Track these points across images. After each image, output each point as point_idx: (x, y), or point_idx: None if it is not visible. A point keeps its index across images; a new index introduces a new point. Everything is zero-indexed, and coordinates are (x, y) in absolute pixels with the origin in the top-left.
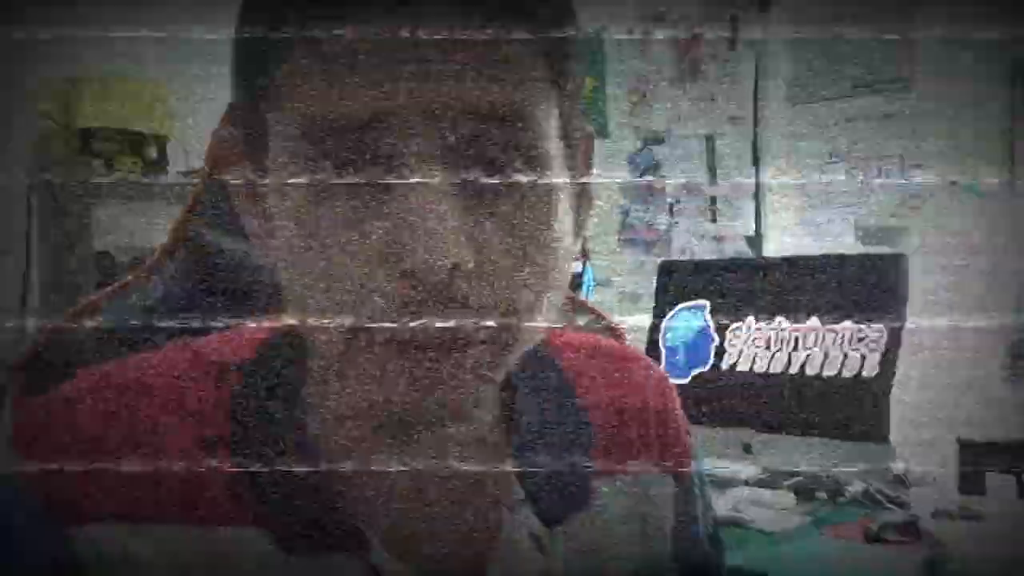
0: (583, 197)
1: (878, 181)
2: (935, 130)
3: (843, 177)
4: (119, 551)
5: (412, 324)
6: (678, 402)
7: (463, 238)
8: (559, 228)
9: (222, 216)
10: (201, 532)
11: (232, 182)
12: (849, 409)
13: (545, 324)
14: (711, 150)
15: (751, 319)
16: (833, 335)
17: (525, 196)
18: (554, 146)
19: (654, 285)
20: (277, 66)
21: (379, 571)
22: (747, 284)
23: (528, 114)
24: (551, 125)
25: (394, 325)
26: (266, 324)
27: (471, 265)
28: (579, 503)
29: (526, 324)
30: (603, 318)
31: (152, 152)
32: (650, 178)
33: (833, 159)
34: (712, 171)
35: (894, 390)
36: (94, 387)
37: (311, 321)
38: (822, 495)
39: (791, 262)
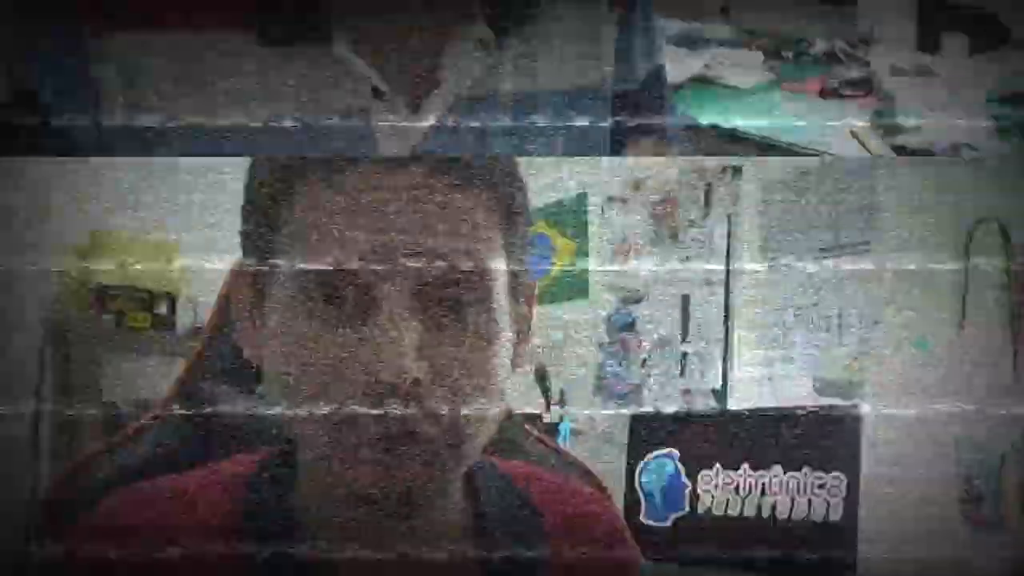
0: (522, 334)
1: (836, 338)
2: (891, 291)
3: (805, 331)
4: None
5: (379, 418)
6: (632, 553)
7: (423, 358)
8: (498, 360)
9: (223, 369)
10: None
11: (240, 327)
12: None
13: (487, 436)
14: (685, 309)
15: (718, 467)
16: (795, 482)
17: (474, 328)
18: (502, 289)
19: (627, 435)
20: (277, 231)
21: None
22: (713, 435)
23: (485, 261)
24: (501, 268)
25: (367, 418)
26: (263, 449)
27: (427, 378)
28: None
29: (474, 432)
30: (579, 464)
31: (162, 308)
32: (627, 335)
33: (797, 316)
34: (685, 329)
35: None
36: (135, 499)
37: (300, 426)
38: None
39: (751, 414)
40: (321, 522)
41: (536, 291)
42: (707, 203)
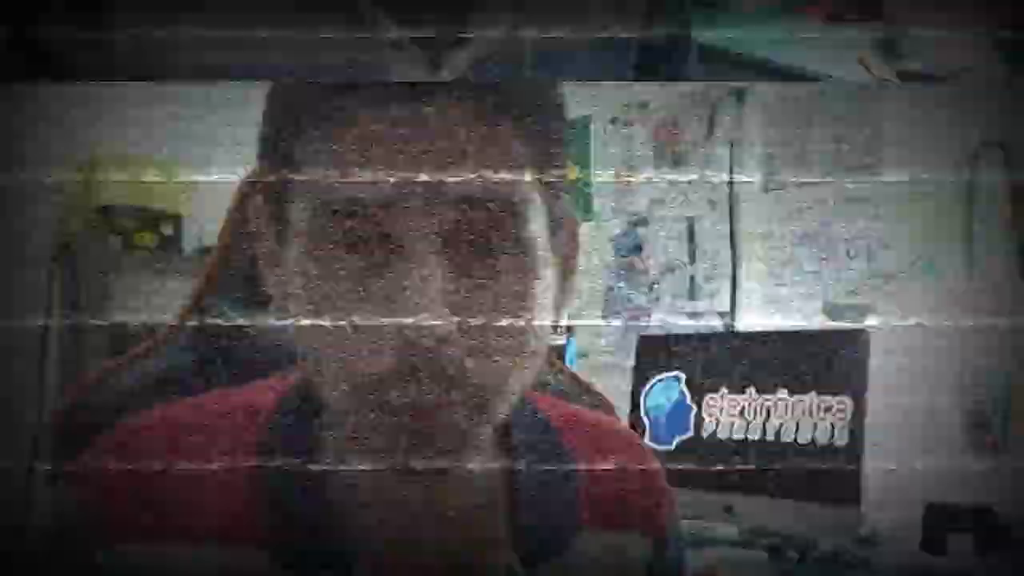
0: (567, 275)
1: (845, 261)
2: (898, 213)
3: (813, 257)
4: (143, 564)
5: (405, 386)
6: (660, 473)
7: (451, 312)
8: (539, 305)
9: (235, 290)
10: (215, 548)
11: (260, 250)
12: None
13: (521, 387)
14: (691, 232)
15: (724, 390)
16: (801, 405)
17: (509, 275)
18: (538, 229)
19: (633, 357)
20: (296, 148)
21: None
22: (718, 357)
23: (514, 200)
24: (536, 210)
25: (391, 381)
26: (285, 379)
27: (456, 336)
28: (557, 550)
29: (505, 387)
30: (586, 385)
31: (168, 229)
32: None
33: (803, 241)
34: (692, 252)
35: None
36: (151, 423)
37: (320, 377)
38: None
39: (758, 336)
40: (340, 476)
41: (578, 226)
42: (711, 126)
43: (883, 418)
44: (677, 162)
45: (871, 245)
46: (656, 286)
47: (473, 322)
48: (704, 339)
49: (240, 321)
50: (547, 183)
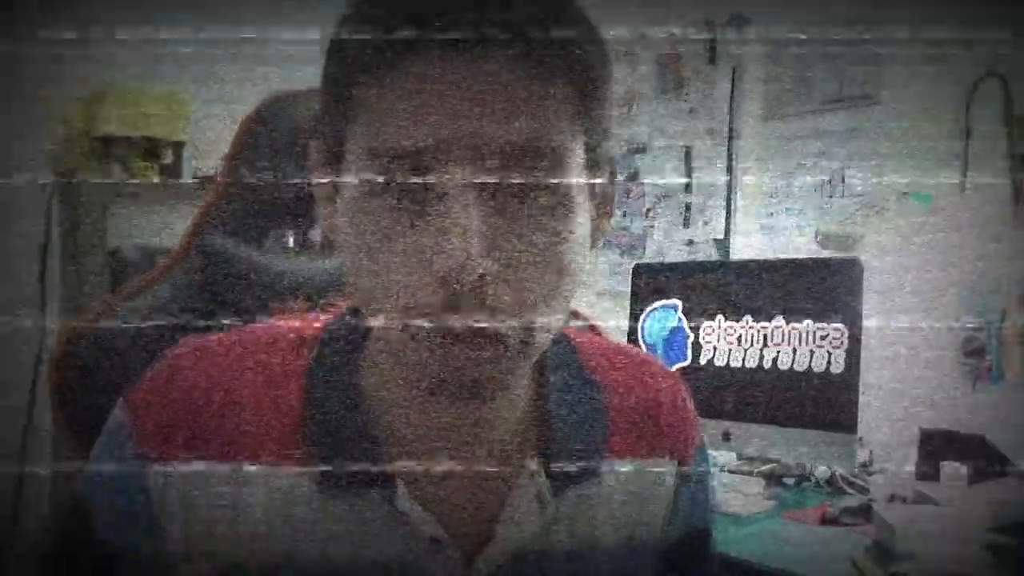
0: (601, 217)
1: (840, 189)
2: (895, 143)
3: (808, 183)
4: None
5: (448, 320)
6: (688, 399)
7: (491, 251)
8: (574, 243)
9: (234, 221)
10: (263, 470)
11: (319, 182)
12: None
13: (557, 319)
14: (688, 160)
15: (721, 318)
16: (797, 333)
17: (547, 217)
18: (577, 172)
19: (629, 286)
20: (354, 93)
21: (404, 515)
22: (714, 285)
23: (556, 148)
24: (577, 155)
25: (434, 314)
26: (331, 309)
27: (497, 273)
28: (586, 478)
29: (541, 322)
30: (583, 317)
31: (168, 157)
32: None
33: (799, 169)
34: (688, 179)
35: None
36: (202, 350)
37: (369, 308)
38: None
39: (754, 265)
40: (385, 400)
41: (616, 163)
42: (712, 53)
43: (879, 345)
44: (679, 89)
45: (867, 174)
46: (651, 213)
47: (510, 264)
48: (700, 267)
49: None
50: (590, 131)
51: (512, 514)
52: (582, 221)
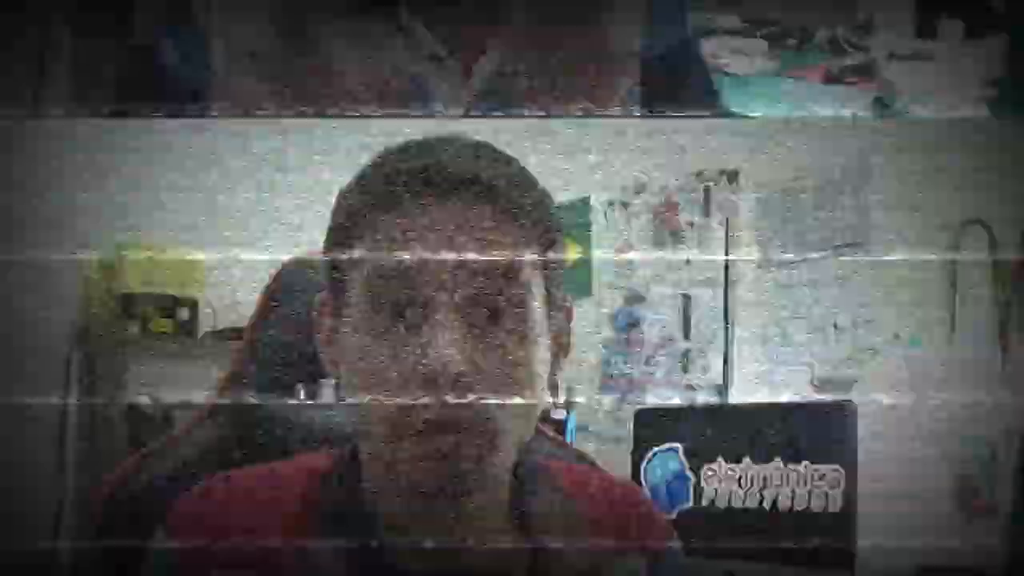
0: (560, 346)
1: (834, 335)
2: (884, 290)
3: (803, 332)
4: None
5: (428, 414)
6: (651, 505)
7: (467, 357)
8: (535, 369)
9: (264, 375)
10: None
11: (320, 332)
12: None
13: (522, 432)
14: (686, 308)
15: (721, 460)
16: (795, 474)
17: (512, 336)
18: (538, 305)
19: (630, 430)
20: (355, 233)
21: None
22: (713, 428)
23: (521, 279)
24: (538, 287)
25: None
26: (330, 453)
27: (472, 375)
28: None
29: (510, 428)
30: (587, 458)
31: (184, 314)
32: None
33: (795, 316)
34: (687, 327)
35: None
36: (226, 486)
37: (363, 412)
38: None
39: (752, 408)
40: (386, 512)
41: (573, 306)
42: (707, 206)
43: (872, 487)
44: (676, 241)
45: (857, 320)
46: (651, 360)
47: (485, 367)
48: (699, 411)
49: (272, 402)
50: (547, 266)
51: None
52: (541, 348)
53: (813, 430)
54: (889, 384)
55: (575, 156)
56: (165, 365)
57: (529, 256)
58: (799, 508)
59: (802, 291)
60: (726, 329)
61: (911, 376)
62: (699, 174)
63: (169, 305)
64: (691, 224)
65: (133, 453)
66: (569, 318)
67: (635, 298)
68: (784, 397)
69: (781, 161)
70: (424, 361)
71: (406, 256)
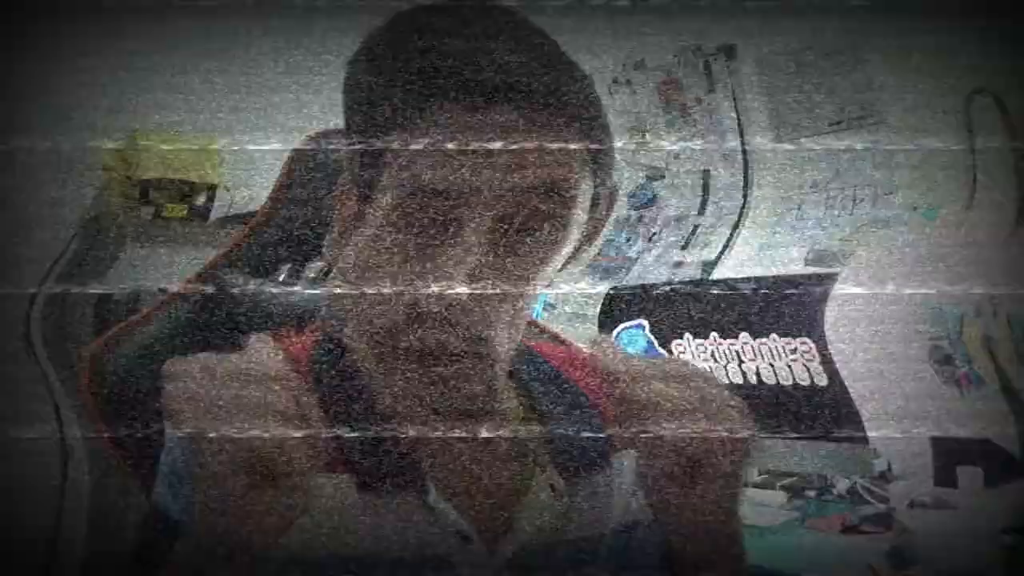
0: (589, 240)
1: (848, 209)
2: (902, 161)
3: (819, 205)
4: None
5: (423, 335)
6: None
7: (469, 281)
8: (549, 272)
9: (256, 261)
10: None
11: (343, 213)
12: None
13: (513, 341)
14: (705, 184)
15: (688, 336)
16: (765, 347)
17: (540, 249)
18: (581, 208)
19: (598, 308)
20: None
21: (433, 509)
22: (682, 304)
23: (566, 190)
24: (584, 193)
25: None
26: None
27: (478, 309)
28: (597, 467)
29: (506, 334)
30: (551, 333)
31: (201, 199)
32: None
33: (812, 190)
34: (703, 203)
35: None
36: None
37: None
38: None
39: (725, 283)
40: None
41: (617, 193)
42: (710, 81)
43: (860, 358)
44: (685, 118)
45: (877, 192)
46: (655, 237)
47: (483, 292)
48: (671, 289)
49: (251, 287)
50: (596, 160)
51: (530, 505)
52: (567, 250)
53: (782, 304)
54: (889, 257)
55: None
56: (167, 251)
57: (579, 159)
58: (785, 382)
59: (822, 164)
60: (743, 205)
61: (912, 251)
62: (697, 50)
63: (187, 191)
64: (698, 100)
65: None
66: (611, 203)
67: (656, 175)
68: (772, 272)
69: (782, 36)
70: (433, 288)
71: (439, 176)
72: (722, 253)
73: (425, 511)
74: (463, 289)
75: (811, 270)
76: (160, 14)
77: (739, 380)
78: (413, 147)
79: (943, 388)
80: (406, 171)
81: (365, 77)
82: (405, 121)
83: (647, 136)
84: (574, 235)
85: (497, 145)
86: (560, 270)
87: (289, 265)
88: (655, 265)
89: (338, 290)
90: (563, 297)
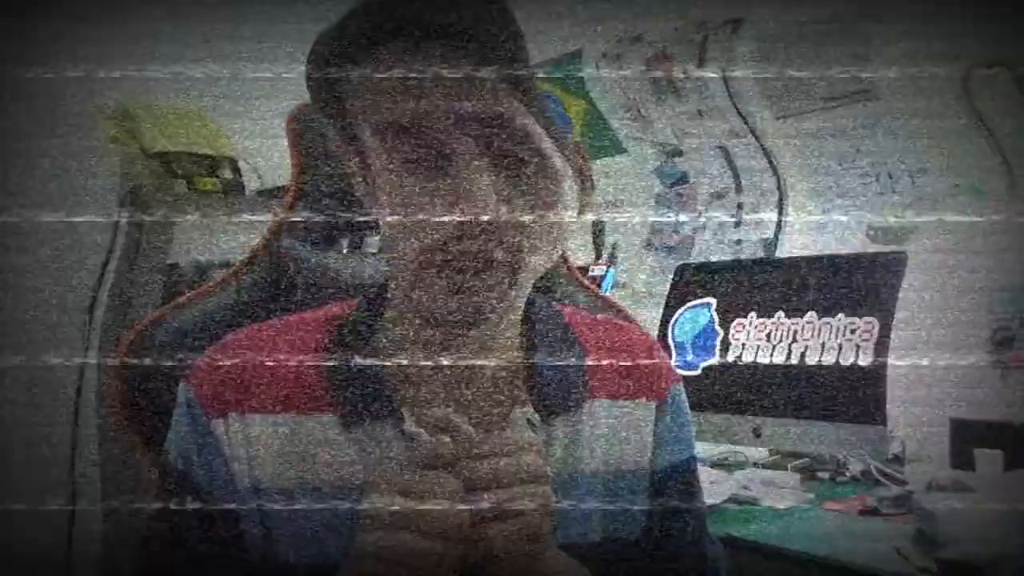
0: (584, 180)
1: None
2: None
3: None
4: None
5: (455, 247)
6: (659, 349)
7: (495, 200)
8: (563, 199)
9: (308, 231)
10: (296, 417)
11: (347, 166)
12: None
13: (544, 263)
14: (729, 160)
15: (753, 315)
16: (827, 328)
17: (536, 174)
18: (547, 144)
19: (667, 287)
20: (347, 77)
21: (411, 437)
22: (752, 283)
23: (513, 119)
24: (536, 128)
25: (449, 249)
26: (354, 300)
27: (500, 218)
28: (570, 409)
29: (530, 257)
30: (620, 309)
31: (227, 173)
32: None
33: (844, 165)
34: (737, 180)
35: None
36: (245, 338)
37: (398, 248)
38: None
39: (794, 262)
40: (400, 340)
41: (582, 147)
42: (702, 57)
43: (910, 336)
44: (676, 93)
45: (913, 169)
46: (703, 214)
47: (514, 214)
48: (741, 266)
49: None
50: (528, 103)
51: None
52: (567, 189)
53: (855, 282)
54: (945, 234)
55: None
56: (213, 223)
57: (513, 98)
58: (827, 362)
59: (837, 139)
60: (777, 181)
61: (968, 227)
62: (701, 24)
63: (208, 164)
64: (685, 74)
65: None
66: (580, 152)
67: (673, 152)
68: (837, 250)
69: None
70: (458, 206)
71: (398, 110)
72: (778, 232)
73: (404, 439)
74: (495, 211)
75: (876, 248)
76: None
77: (780, 360)
78: (358, 74)
79: (987, 372)
80: (369, 105)
81: (329, 23)
82: (358, 56)
83: (641, 112)
84: (564, 174)
85: (429, 73)
86: (579, 213)
87: (348, 238)
88: (714, 243)
89: (390, 218)
90: (636, 277)
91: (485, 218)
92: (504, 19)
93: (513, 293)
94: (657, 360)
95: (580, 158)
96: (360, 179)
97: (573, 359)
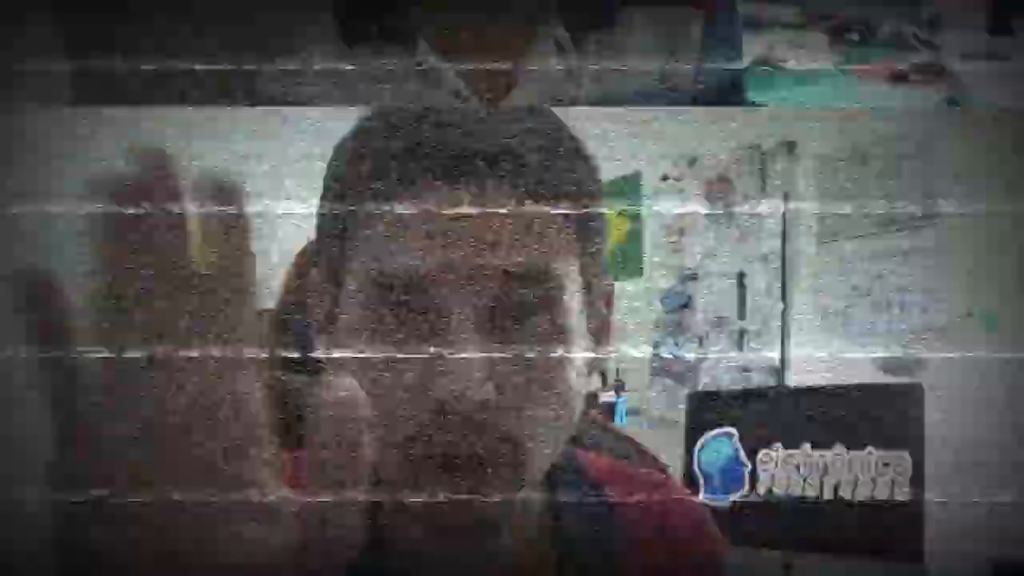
0: (600, 336)
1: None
2: (954, 264)
3: (866, 310)
4: None
5: (446, 441)
6: (709, 524)
7: (491, 378)
8: (572, 369)
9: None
10: None
11: (315, 310)
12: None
13: (557, 442)
14: (741, 286)
15: (778, 445)
16: (859, 461)
17: (544, 342)
18: (575, 299)
19: (683, 413)
20: (352, 223)
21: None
22: (772, 413)
23: (552, 274)
24: (574, 281)
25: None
26: None
27: (495, 399)
28: None
29: (539, 448)
30: (637, 445)
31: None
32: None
33: (855, 293)
34: (742, 306)
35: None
36: None
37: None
38: None
39: (814, 391)
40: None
41: (614, 291)
42: (763, 180)
43: (943, 472)
44: (730, 217)
45: (927, 298)
46: (704, 341)
47: (513, 389)
48: (755, 394)
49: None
50: (585, 252)
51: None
52: (580, 345)
53: (878, 414)
54: (957, 364)
55: (627, 132)
56: None
57: (567, 247)
58: (863, 497)
59: (865, 266)
60: (783, 307)
61: (982, 359)
62: (755, 147)
63: None
64: (745, 198)
65: None
66: (609, 305)
67: (687, 277)
68: (846, 379)
69: (842, 132)
70: (440, 383)
71: (409, 261)
72: (783, 359)
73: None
74: (483, 388)
75: (891, 379)
76: None
77: (814, 493)
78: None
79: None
80: (370, 256)
81: (352, 146)
82: (385, 190)
83: (682, 237)
84: (577, 328)
85: (468, 210)
86: (591, 371)
87: None
88: (718, 370)
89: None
90: (646, 403)
91: (474, 399)
92: (583, 160)
93: (525, 487)
94: (708, 536)
95: (605, 307)
96: (324, 334)
97: (609, 534)
